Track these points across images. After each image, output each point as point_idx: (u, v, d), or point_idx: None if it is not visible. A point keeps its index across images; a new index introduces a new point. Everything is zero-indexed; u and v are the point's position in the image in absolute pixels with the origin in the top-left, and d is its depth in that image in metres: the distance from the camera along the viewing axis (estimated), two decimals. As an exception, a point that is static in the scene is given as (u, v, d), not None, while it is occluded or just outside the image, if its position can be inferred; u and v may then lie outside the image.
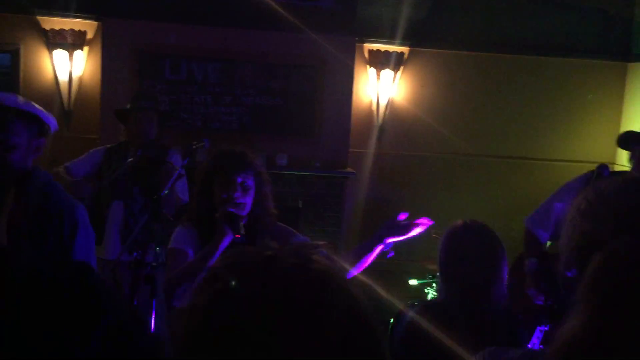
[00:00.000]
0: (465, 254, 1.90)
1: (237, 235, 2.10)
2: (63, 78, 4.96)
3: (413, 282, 4.20)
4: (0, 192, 2.01)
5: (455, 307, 1.88)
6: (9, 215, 2.01)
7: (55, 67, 4.95)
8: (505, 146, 5.60)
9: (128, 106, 3.69)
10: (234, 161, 2.19)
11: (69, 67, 4.93)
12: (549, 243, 2.99)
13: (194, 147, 3.03)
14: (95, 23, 5.00)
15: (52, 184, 2.12)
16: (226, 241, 2.10)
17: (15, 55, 4.99)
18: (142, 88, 4.89)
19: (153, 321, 2.76)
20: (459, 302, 1.88)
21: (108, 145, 3.72)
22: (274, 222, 2.31)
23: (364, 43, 5.30)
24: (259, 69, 5.11)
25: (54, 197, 2.08)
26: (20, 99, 2.00)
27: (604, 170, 2.71)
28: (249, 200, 2.21)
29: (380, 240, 2.02)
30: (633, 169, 2.71)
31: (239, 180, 2.16)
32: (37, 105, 2.04)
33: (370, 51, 5.30)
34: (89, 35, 5.01)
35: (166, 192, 2.74)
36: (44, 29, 4.90)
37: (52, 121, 2.09)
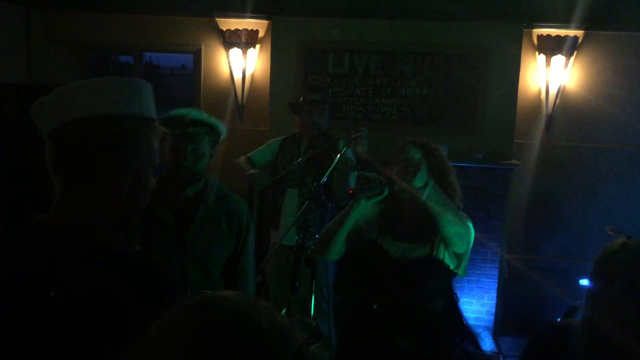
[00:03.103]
0: (615, 281, 1.67)
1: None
2: (237, 75, 5.36)
3: (584, 282, 3.92)
4: (180, 196, 2.32)
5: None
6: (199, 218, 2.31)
7: (231, 65, 5.37)
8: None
9: (301, 99, 3.92)
10: None
11: (242, 64, 5.32)
12: None
13: (353, 136, 3.12)
14: (266, 22, 5.32)
15: (223, 187, 2.42)
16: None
17: (197, 56, 5.51)
18: (310, 81, 5.11)
19: (313, 303, 2.90)
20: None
21: (284, 136, 3.99)
22: None
23: (532, 28, 5.01)
24: (419, 60, 5.08)
25: (231, 198, 2.39)
26: (205, 114, 2.30)
27: None
28: None
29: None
30: None
31: None
32: (215, 118, 2.33)
33: (540, 37, 5.00)
34: (261, 34, 5.35)
35: (325, 179, 2.86)
36: (222, 29, 5.33)
37: (224, 130, 2.38)
